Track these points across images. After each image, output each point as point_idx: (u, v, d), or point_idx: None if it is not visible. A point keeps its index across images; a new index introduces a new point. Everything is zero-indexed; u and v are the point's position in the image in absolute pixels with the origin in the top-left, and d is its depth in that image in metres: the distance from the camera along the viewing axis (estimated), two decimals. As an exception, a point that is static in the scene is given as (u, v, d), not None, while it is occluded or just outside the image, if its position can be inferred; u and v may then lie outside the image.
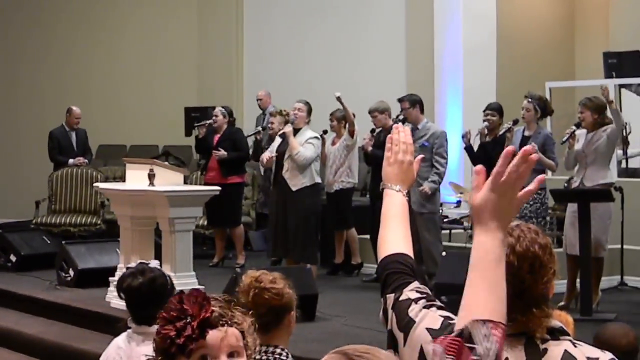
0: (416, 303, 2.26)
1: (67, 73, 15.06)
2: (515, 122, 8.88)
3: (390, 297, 2.31)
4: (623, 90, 11.55)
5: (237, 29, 15.22)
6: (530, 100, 8.76)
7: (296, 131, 9.43)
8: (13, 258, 10.41)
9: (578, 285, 8.05)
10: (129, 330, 4.15)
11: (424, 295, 2.29)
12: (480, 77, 12.29)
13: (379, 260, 2.39)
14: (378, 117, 9.82)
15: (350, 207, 10.44)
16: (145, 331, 3.99)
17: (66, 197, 11.80)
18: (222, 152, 10.51)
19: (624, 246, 9.24)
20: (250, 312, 2.22)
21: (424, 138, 9.38)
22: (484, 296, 1.86)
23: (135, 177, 8.52)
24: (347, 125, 10.22)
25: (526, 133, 8.80)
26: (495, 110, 9.22)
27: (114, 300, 7.85)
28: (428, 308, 2.24)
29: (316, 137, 9.56)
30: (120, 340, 4.15)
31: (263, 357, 3.44)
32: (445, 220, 10.87)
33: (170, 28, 15.49)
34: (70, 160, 11.97)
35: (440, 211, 10.21)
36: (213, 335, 2.08)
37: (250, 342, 2.15)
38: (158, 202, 8.14)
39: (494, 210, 1.89)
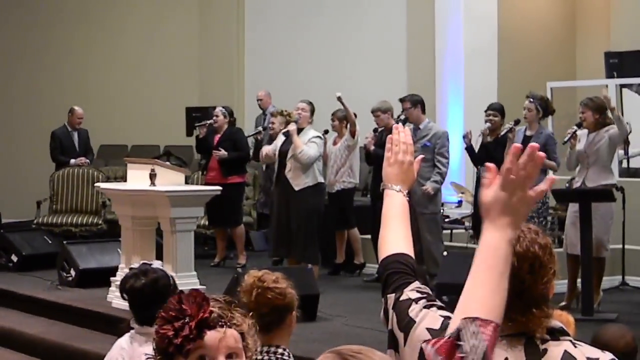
0: (416, 303, 2.26)
1: (67, 73, 15.05)
2: (517, 123, 8.87)
3: (391, 297, 2.31)
4: (624, 90, 11.54)
5: (238, 28, 15.22)
6: (531, 100, 8.75)
7: (299, 131, 9.42)
8: (14, 258, 10.41)
9: (579, 285, 8.05)
10: (131, 331, 4.16)
11: (425, 295, 2.29)
12: (482, 77, 12.29)
13: (380, 260, 2.40)
14: (381, 117, 9.82)
15: (351, 207, 10.44)
16: (148, 332, 3.98)
17: (67, 197, 11.80)
18: (223, 152, 10.50)
19: (625, 246, 9.25)
20: (251, 314, 2.21)
21: (426, 138, 9.37)
22: (484, 294, 1.85)
23: (137, 177, 8.52)
24: (348, 126, 10.22)
25: (528, 133, 8.79)
26: (496, 110, 9.21)
27: (115, 300, 7.85)
28: (428, 308, 2.25)
29: (319, 137, 9.56)
30: (123, 341, 4.16)
31: (264, 357, 3.44)
32: (446, 220, 10.88)
33: (170, 28, 15.48)
34: (72, 160, 11.96)
35: (442, 211, 10.22)
36: (211, 335, 2.07)
37: (250, 344, 2.14)
38: (159, 202, 8.14)
39: (504, 208, 1.89)
